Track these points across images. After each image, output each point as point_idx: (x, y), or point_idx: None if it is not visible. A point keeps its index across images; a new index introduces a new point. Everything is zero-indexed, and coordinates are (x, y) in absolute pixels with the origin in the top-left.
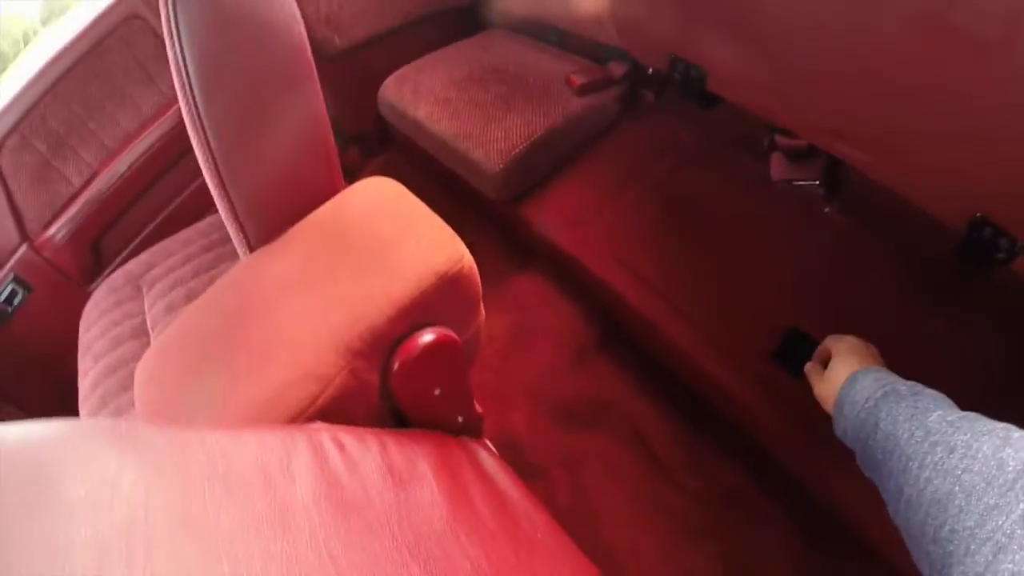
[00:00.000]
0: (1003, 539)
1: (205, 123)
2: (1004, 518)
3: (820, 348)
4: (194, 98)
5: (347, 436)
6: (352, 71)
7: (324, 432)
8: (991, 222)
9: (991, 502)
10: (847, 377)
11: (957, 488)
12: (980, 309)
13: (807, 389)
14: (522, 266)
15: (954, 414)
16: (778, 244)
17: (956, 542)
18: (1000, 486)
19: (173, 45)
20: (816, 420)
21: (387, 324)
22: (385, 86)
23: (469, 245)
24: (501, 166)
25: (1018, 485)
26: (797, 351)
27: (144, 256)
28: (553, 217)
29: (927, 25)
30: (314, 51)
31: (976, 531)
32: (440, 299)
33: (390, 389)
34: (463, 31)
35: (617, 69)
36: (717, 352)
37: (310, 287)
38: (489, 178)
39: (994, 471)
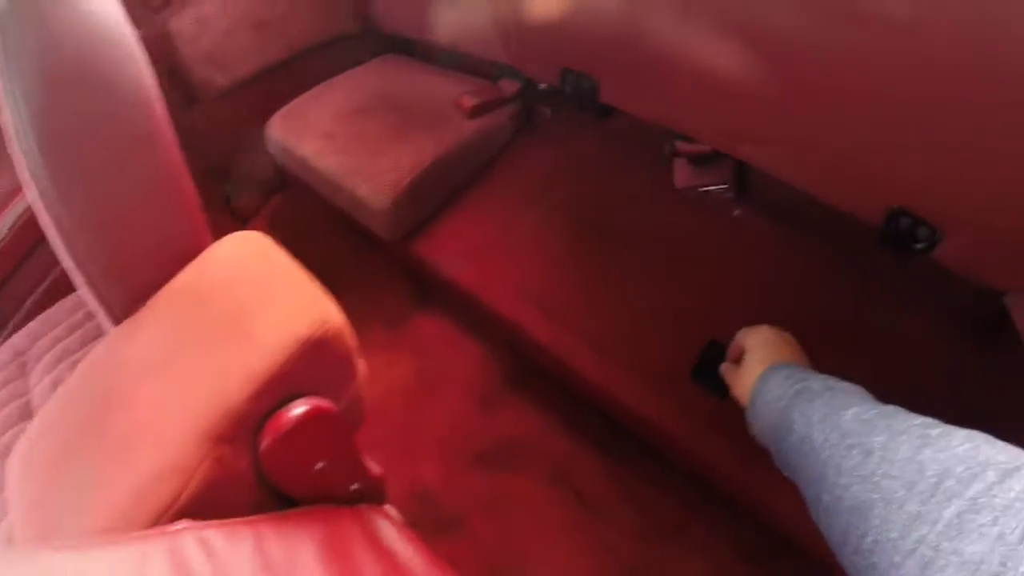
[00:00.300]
0: (929, 552)
1: (50, 192)
2: (928, 528)
3: (733, 344)
4: (36, 167)
5: (216, 533)
6: (239, 110)
7: (189, 533)
8: (909, 212)
9: (913, 510)
10: (759, 375)
11: (877, 496)
12: (903, 300)
13: (733, 405)
14: (423, 306)
15: (870, 410)
16: (690, 254)
17: (880, 554)
18: (921, 493)
19: (10, 109)
20: (747, 436)
21: (249, 402)
22: (271, 123)
23: (366, 289)
24: (389, 201)
25: (940, 491)
26: (717, 366)
27: (30, 326)
28: (449, 252)
29: (828, 16)
30: (196, 93)
31: (900, 543)
32: (306, 367)
33: (263, 471)
34: (356, 59)
35: (509, 87)
36: (634, 379)
37: (170, 366)
38: (377, 215)
39: (914, 476)
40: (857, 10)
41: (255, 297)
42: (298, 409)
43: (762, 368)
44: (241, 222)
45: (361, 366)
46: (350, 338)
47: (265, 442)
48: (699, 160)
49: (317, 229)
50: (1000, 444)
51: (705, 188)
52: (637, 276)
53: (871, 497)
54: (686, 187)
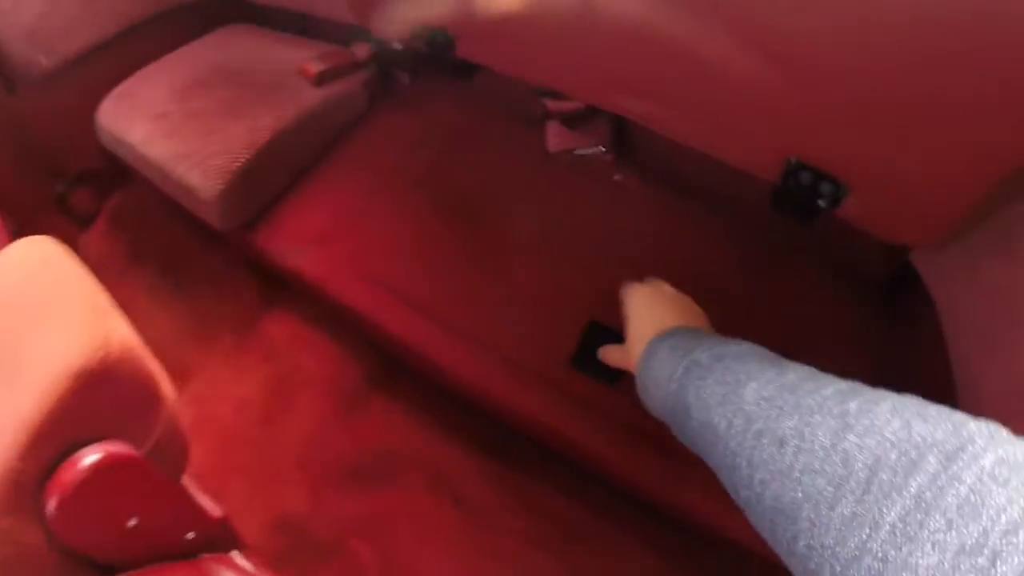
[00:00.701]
0: (875, 564)
1: None
2: (869, 533)
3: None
4: None
5: None
6: (68, 95)
7: None
8: (808, 166)
9: (847, 512)
10: (643, 349)
11: (801, 495)
12: (802, 263)
13: (622, 389)
14: (272, 304)
15: (772, 383)
16: (567, 227)
17: (817, 560)
18: (852, 491)
19: None
20: (639, 422)
21: (23, 459)
22: (101, 108)
23: (212, 290)
24: (220, 188)
25: (875, 487)
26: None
27: None
28: (293, 240)
29: None
30: (17, 76)
31: (838, 550)
32: (90, 404)
33: (60, 541)
34: (200, 30)
35: (362, 50)
36: (510, 371)
37: None
38: (207, 204)
39: (841, 469)
40: None
41: (30, 320)
42: (86, 459)
43: (644, 340)
44: (80, 224)
45: (167, 392)
46: (146, 361)
47: (51, 505)
48: (573, 120)
49: (162, 225)
50: (932, 412)
51: (581, 151)
52: (509, 255)
53: (795, 496)
54: (560, 151)
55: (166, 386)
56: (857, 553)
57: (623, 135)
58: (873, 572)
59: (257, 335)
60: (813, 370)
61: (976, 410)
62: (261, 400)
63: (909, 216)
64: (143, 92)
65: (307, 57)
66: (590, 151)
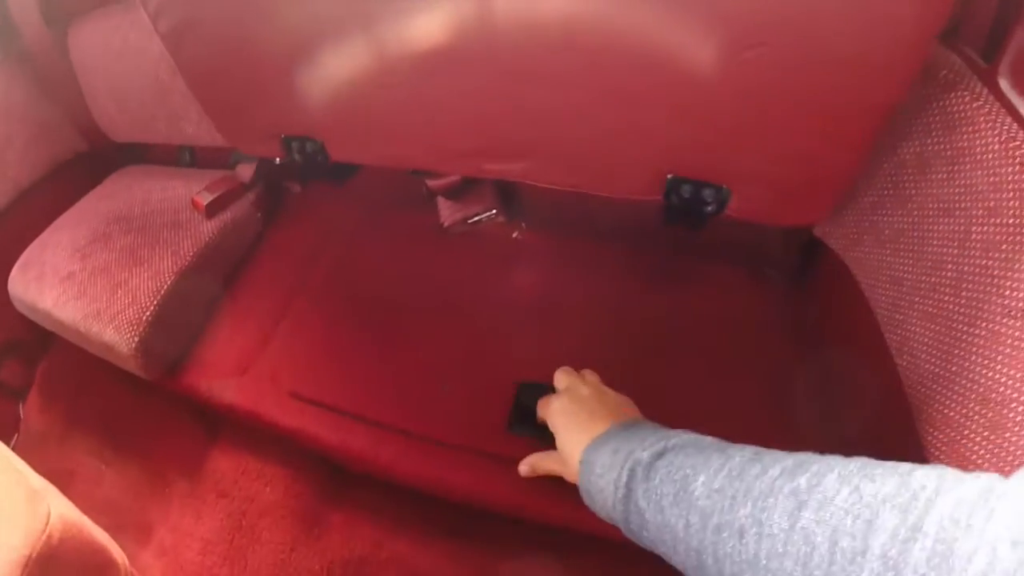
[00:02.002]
0: None
1: None
2: None
3: (539, 419)
4: None
5: None
6: None
7: None
8: (686, 179)
9: None
10: (579, 461)
11: None
12: (713, 265)
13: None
14: (215, 440)
15: (719, 475)
16: (477, 294)
17: None
18: (819, 566)
19: None
20: None
21: None
22: (11, 279)
23: (157, 438)
24: (136, 341)
25: (838, 557)
26: (534, 409)
27: None
28: (217, 373)
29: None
30: None
31: None
32: None
33: None
34: (94, 178)
35: (245, 171)
36: (448, 454)
37: None
38: (129, 359)
39: (803, 547)
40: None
41: None
42: None
43: (576, 451)
44: (13, 398)
45: (119, 558)
46: (91, 532)
47: None
48: (456, 192)
49: (95, 383)
50: (879, 470)
51: (474, 219)
52: (425, 335)
53: None
54: (453, 224)
55: (117, 553)
56: None
57: (510, 195)
58: None
59: (208, 473)
60: (757, 449)
61: (902, 352)
62: (224, 538)
63: (794, 201)
64: (47, 256)
65: (197, 189)
66: (482, 217)
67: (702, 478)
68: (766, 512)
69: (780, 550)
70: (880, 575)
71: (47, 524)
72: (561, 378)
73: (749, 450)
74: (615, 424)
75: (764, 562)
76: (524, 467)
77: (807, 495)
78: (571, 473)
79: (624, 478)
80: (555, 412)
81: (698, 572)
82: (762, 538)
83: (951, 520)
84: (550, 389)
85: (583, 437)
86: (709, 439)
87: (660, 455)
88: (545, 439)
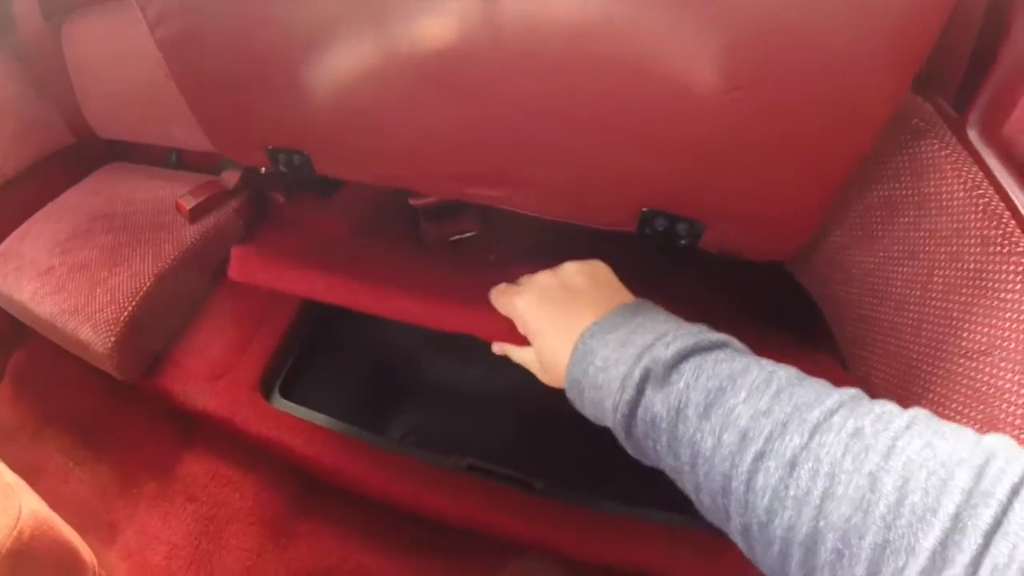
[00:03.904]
0: None
1: None
2: (904, 561)
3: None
4: None
5: None
6: None
7: None
8: (662, 212)
9: (878, 540)
10: (574, 348)
11: (823, 524)
12: (688, 293)
13: None
14: (188, 444)
15: (761, 393)
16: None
17: None
18: (883, 517)
19: None
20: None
21: None
22: None
23: (129, 439)
24: (112, 340)
25: (906, 511)
26: None
27: None
28: (193, 378)
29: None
30: None
31: None
32: None
33: None
34: (78, 174)
35: (231, 178)
36: (419, 470)
37: None
38: (105, 358)
39: (867, 495)
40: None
41: None
42: None
43: (565, 354)
44: None
45: (88, 558)
46: (62, 530)
47: None
48: (437, 213)
49: (68, 381)
50: (946, 428)
51: (454, 238)
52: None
53: (815, 525)
54: (434, 242)
55: (85, 552)
56: None
57: (490, 217)
58: None
59: (179, 476)
60: (797, 372)
61: (862, 385)
62: (191, 542)
63: (765, 237)
64: (26, 249)
65: (181, 192)
66: (462, 237)
67: (743, 394)
68: (826, 448)
69: (839, 492)
70: (948, 536)
71: (18, 520)
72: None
73: (790, 371)
74: (621, 305)
75: (817, 502)
76: (497, 348)
77: (874, 439)
78: (553, 377)
79: (636, 376)
80: (526, 309)
81: (717, 498)
82: (818, 476)
83: (1017, 491)
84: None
85: (573, 330)
86: (737, 343)
87: (685, 356)
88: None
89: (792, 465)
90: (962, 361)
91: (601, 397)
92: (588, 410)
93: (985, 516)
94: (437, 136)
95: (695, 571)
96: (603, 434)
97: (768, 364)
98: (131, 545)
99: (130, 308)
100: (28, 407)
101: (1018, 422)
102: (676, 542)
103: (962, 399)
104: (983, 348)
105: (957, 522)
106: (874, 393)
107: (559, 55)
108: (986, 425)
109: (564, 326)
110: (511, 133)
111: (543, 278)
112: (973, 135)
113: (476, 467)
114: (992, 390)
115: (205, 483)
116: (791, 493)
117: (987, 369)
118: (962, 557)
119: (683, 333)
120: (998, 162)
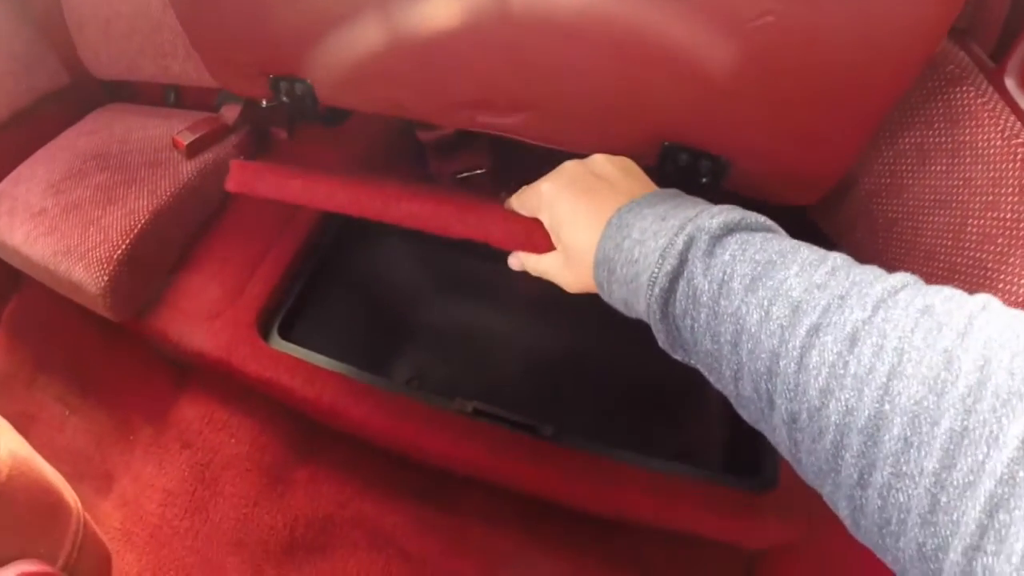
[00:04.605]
0: (1001, 490)
1: None
2: (986, 451)
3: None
4: None
5: None
6: None
7: None
8: (684, 147)
9: (956, 426)
10: (607, 224)
11: (888, 407)
12: None
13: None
14: (183, 388)
15: (816, 268)
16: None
17: (909, 492)
18: (962, 399)
19: None
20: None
21: None
22: None
23: (123, 383)
24: (105, 280)
25: (989, 394)
26: None
27: None
28: (187, 319)
29: None
30: None
31: (944, 475)
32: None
33: None
34: (74, 115)
35: (230, 113)
36: (421, 411)
37: None
38: (95, 298)
39: (942, 374)
40: None
41: None
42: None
43: (594, 237)
44: None
45: (71, 500)
46: (44, 472)
47: None
48: (447, 147)
49: (63, 324)
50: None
51: (462, 175)
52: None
53: (878, 408)
54: (441, 177)
55: (69, 494)
56: (972, 479)
57: (501, 153)
58: (996, 500)
59: (173, 422)
60: (851, 259)
61: None
62: (186, 490)
63: (791, 179)
64: (19, 191)
65: (179, 129)
66: (471, 174)
67: (795, 268)
68: (891, 323)
69: (909, 371)
70: None
71: None
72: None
73: (845, 256)
74: (656, 191)
75: (883, 380)
76: (514, 260)
77: (947, 317)
78: (578, 274)
79: (680, 245)
80: (554, 193)
81: (761, 382)
82: (884, 351)
83: None
84: None
85: (600, 219)
86: (783, 232)
87: (730, 230)
88: None
89: (853, 340)
90: None
91: (637, 271)
92: (617, 293)
93: None
94: (449, 58)
95: (705, 521)
96: (614, 380)
97: (818, 248)
98: (127, 494)
99: (124, 246)
100: (23, 354)
101: None
102: (686, 493)
103: None
104: (1019, 300)
105: None
106: None
107: None
108: None
109: (596, 209)
110: (527, 54)
111: (571, 165)
112: (1011, 84)
113: (482, 412)
114: None
115: (200, 428)
116: (851, 371)
117: None
118: None
119: (728, 208)
120: None
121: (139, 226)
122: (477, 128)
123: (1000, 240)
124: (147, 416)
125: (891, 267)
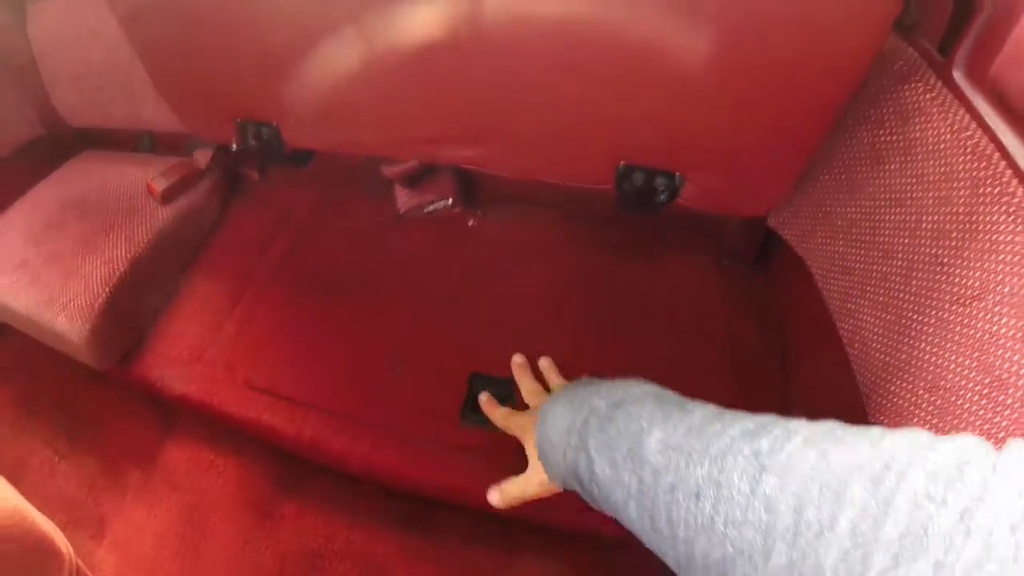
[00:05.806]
0: None
1: None
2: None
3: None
4: None
5: None
6: None
7: None
8: (640, 167)
9: (782, 561)
10: (539, 412)
11: (731, 549)
12: (673, 251)
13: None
14: (169, 431)
15: (677, 430)
16: (431, 284)
17: None
18: (783, 537)
19: None
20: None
21: None
22: None
23: (110, 428)
24: (87, 329)
25: (804, 529)
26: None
27: None
28: (168, 363)
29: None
30: None
31: None
32: None
33: None
34: (49, 165)
35: (202, 157)
36: (403, 445)
37: None
38: (80, 348)
39: (764, 517)
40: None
41: None
42: None
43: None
44: None
45: (64, 548)
46: (35, 520)
47: None
48: (413, 179)
49: (48, 371)
50: (849, 435)
51: (430, 208)
52: (381, 323)
53: (725, 551)
54: (409, 210)
55: (61, 541)
56: None
57: (467, 182)
58: None
59: (161, 465)
60: (719, 409)
61: (854, 341)
62: (177, 531)
63: (745, 190)
64: (3, 242)
65: (153, 175)
66: (438, 205)
67: (658, 433)
68: (724, 474)
69: (739, 517)
70: (849, 552)
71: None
72: (522, 377)
73: (712, 408)
74: (577, 379)
75: (722, 528)
76: (496, 499)
77: (769, 458)
78: (530, 446)
79: (578, 426)
80: (524, 426)
81: (650, 536)
82: (720, 502)
83: (925, 496)
84: (503, 383)
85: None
86: (673, 394)
87: (618, 405)
88: (491, 427)
89: (697, 495)
90: (955, 308)
91: (556, 453)
92: (551, 469)
93: (887, 528)
94: (409, 96)
95: None
96: None
97: (691, 404)
98: (118, 538)
99: (104, 295)
100: (9, 400)
101: (1015, 368)
102: None
103: (956, 347)
104: (975, 293)
105: (856, 537)
106: (868, 349)
107: (536, 10)
108: (983, 372)
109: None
110: (484, 87)
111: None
112: (959, 77)
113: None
114: (987, 336)
115: (187, 470)
116: (699, 521)
117: (981, 315)
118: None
119: (620, 388)
120: (985, 103)
121: (118, 274)
122: (439, 161)
123: (954, 235)
124: (135, 459)
125: (854, 268)
